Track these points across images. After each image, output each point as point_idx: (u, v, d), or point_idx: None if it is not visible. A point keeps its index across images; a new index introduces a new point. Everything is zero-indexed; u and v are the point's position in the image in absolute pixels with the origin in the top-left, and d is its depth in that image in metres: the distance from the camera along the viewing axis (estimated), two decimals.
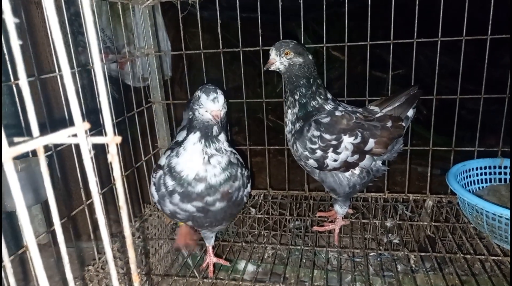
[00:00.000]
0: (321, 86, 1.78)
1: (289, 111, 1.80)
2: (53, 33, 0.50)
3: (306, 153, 1.73)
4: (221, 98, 1.38)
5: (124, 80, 3.21)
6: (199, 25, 2.09)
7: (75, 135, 0.53)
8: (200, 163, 1.44)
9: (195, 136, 1.45)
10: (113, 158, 0.55)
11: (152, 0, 2.09)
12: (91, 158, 0.55)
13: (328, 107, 1.76)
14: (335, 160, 1.71)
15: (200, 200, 1.46)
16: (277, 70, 1.75)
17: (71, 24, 3.23)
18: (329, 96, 1.80)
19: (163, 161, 1.56)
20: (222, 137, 1.49)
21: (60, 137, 0.52)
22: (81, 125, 0.53)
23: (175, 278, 1.77)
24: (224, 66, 2.24)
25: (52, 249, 1.60)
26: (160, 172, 1.53)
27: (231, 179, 1.50)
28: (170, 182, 1.48)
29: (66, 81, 0.52)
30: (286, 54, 1.69)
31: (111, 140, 0.54)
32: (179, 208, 1.51)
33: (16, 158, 1.40)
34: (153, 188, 1.58)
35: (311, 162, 1.74)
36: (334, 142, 1.69)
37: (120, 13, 2.02)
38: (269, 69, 1.75)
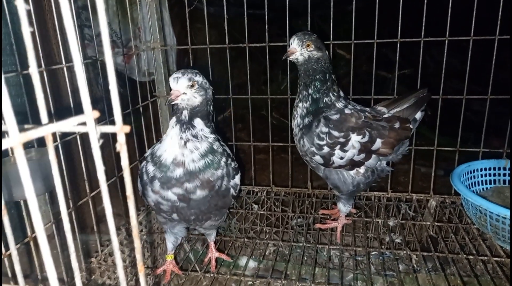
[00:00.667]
0: (335, 82, 1.77)
1: (300, 104, 1.79)
2: (65, 23, 0.50)
3: (313, 149, 1.72)
4: (183, 79, 1.35)
5: (130, 74, 3.21)
6: (206, 20, 2.09)
7: (83, 124, 0.54)
8: (176, 146, 1.40)
9: (172, 120, 1.43)
10: (122, 147, 0.55)
11: None
12: (100, 147, 0.55)
13: (339, 105, 1.76)
14: (342, 158, 1.71)
15: (180, 186, 1.41)
16: (295, 61, 1.72)
17: (77, 17, 3.25)
18: (341, 93, 1.80)
19: (148, 151, 1.56)
20: (198, 122, 1.43)
21: (69, 125, 0.52)
22: (90, 114, 0.53)
23: (190, 273, 1.77)
24: (230, 62, 2.24)
25: (55, 241, 1.61)
26: (144, 162, 1.52)
27: (213, 167, 1.44)
28: (151, 168, 1.44)
29: (77, 70, 0.52)
30: (308, 45, 1.68)
31: (120, 129, 0.54)
32: (161, 197, 1.45)
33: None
34: (138, 180, 1.55)
35: (317, 158, 1.74)
36: (342, 140, 1.69)
37: (127, 6, 2.02)
38: (288, 58, 1.72)
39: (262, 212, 2.28)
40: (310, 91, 1.74)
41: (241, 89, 3.00)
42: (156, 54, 2.21)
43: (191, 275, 1.76)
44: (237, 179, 1.59)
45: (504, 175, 2.07)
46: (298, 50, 1.69)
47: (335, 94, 1.76)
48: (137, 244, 0.61)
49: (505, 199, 1.93)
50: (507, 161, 2.05)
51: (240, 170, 1.63)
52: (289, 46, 1.71)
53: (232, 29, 2.96)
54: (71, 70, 1.53)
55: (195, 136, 1.41)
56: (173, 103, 1.37)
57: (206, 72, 2.23)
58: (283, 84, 4.80)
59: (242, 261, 2.04)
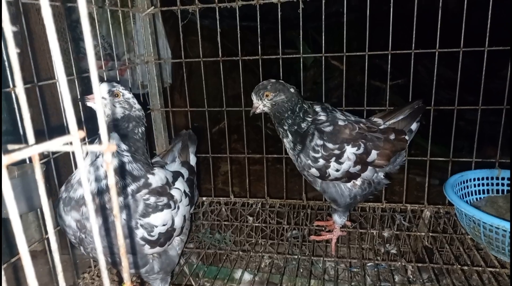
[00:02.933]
0: (305, 107, 1.77)
1: (285, 140, 1.82)
2: (50, 39, 0.50)
3: (309, 161, 1.73)
4: (105, 84, 1.29)
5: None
6: (199, 33, 2.10)
7: (71, 143, 0.54)
8: (88, 162, 1.25)
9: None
10: (108, 166, 0.55)
11: (152, 8, 2.11)
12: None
13: (321, 117, 1.76)
14: (337, 170, 1.72)
15: (78, 209, 1.22)
16: (264, 112, 1.78)
17: (72, 31, 3.26)
18: (317, 109, 1.79)
19: None
20: (115, 137, 1.30)
21: (55, 145, 0.52)
22: (76, 133, 0.53)
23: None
24: (224, 74, 2.26)
25: (47, 256, 1.60)
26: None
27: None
28: (62, 189, 1.31)
29: (62, 88, 0.52)
30: (266, 96, 1.72)
31: (106, 148, 0.54)
32: (63, 222, 1.27)
33: (13, 164, 1.41)
34: None
35: (313, 171, 1.74)
36: (337, 152, 1.69)
37: (121, 20, 2.03)
38: (255, 113, 1.78)
39: (257, 224, 2.27)
40: (285, 127, 1.77)
41: (236, 100, 3.01)
42: (150, 67, 2.22)
43: None
44: (154, 219, 1.28)
45: (497, 184, 2.08)
46: (260, 103, 1.74)
47: (310, 116, 1.76)
48: (125, 263, 0.61)
49: (499, 208, 1.93)
50: (499, 170, 2.06)
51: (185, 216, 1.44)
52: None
53: (227, 42, 2.99)
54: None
55: None
56: (87, 104, 1.30)
57: (201, 84, 2.25)
58: None
59: (237, 274, 2.02)
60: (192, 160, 1.78)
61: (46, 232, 1.47)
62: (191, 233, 2.22)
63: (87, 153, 1.24)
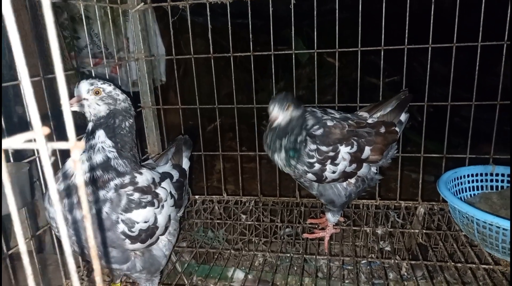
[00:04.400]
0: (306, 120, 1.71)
1: (275, 156, 1.73)
2: (11, 36, 0.48)
3: (305, 167, 1.70)
4: (84, 83, 1.26)
5: (117, 85, 3.19)
6: (189, 29, 2.08)
7: (35, 140, 0.51)
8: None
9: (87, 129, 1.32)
10: (76, 164, 0.53)
11: (142, 5, 2.08)
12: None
13: (309, 122, 1.72)
14: (334, 172, 1.70)
15: (60, 201, 1.21)
16: (277, 125, 1.65)
17: (65, 29, 3.23)
18: (309, 121, 1.73)
19: None
20: (100, 134, 1.28)
21: (17, 142, 0.50)
22: (40, 130, 0.50)
23: (162, 285, 1.72)
24: (219, 71, 2.24)
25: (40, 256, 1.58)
26: None
27: (96, 184, 1.23)
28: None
29: (24, 84, 0.50)
30: (288, 107, 1.62)
31: (74, 145, 0.52)
32: (48, 214, 1.28)
33: None
34: None
35: (310, 176, 1.72)
36: (331, 154, 1.67)
37: (109, 17, 2.01)
38: (272, 125, 1.65)
39: (250, 223, 2.25)
40: (284, 143, 1.68)
41: (231, 98, 2.99)
42: (141, 64, 2.19)
43: None
44: (136, 215, 1.27)
45: (491, 181, 2.06)
46: (280, 115, 1.62)
47: (308, 127, 1.71)
48: (96, 265, 0.58)
49: (493, 205, 1.92)
50: (493, 166, 2.04)
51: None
52: (270, 111, 1.64)
53: (221, 39, 2.96)
54: (51, 81, 1.51)
55: (92, 147, 1.27)
56: (71, 109, 1.23)
57: (195, 81, 2.22)
58: (274, 93, 4.81)
59: (230, 272, 2.00)
60: (185, 164, 1.76)
61: (32, 232, 1.45)
62: (184, 231, 2.20)
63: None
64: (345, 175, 1.73)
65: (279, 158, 1.72)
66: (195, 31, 2.16)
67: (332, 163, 1.67)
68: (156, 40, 3.44)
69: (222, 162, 2.44)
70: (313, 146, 1.66)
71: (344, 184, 1.79)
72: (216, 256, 2.06)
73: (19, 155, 1.47)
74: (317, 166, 1.67)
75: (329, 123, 1.71)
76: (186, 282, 1.80)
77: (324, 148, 1.66)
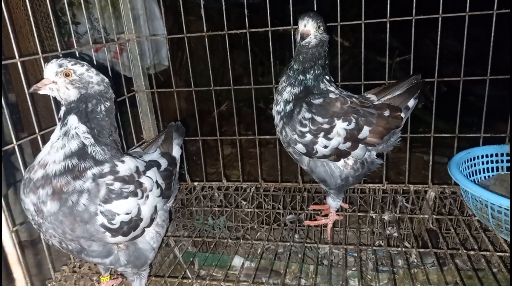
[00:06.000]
0: (328, 66, 1.65)
1: (288, 88, 1.62)
2: None
3: (295, 136, 1.59)
4: (52, 65, 1.15)
5: (119, 70, 3.11)
6: (181, 7, 1.96)
7: None
8: (49, 145, 1.19)
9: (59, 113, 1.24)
10: None
11: None
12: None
13: (333, 90, 1.63)
14: (326, 147, 1.57)
15: (35, 192, 1.14)
16: (307, 44, 1.54)
17: (63, 14, 3.15)
18: (332, 79, 1.68)
19: None
20: (73, 119, 1.19)
21: None
22: None
23: (167, 279, 1.61)
24: (224, 54, 2.12)
25: (37, 247, 1.53)
26: None
27: (72, 174, 1.14)
28: (26, 170, 1.23)
29: None
30: (319, 27, 1.53)
31: None
32: (23, 204, 1.20)
33: None
34: None
35: (299, 147, 1.61)
36: (326, 126, 1.55)
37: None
38: (302, 43, 1.53)
39: (250, 210, 2.16)
40: (308, 76, 1.59)
41: (236, 81, 2.89)
42: (132, 46, 2.09)
43: (182, 282, 1.57)
44: (116, 206, 1.19)
45: (508, 161, 1.91)
46: (312, 32, 1.52)
47: (328, 78, 1.64)
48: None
49: (509, 187, 1.78)
50: (510, 146, 1.89)
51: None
52: (299, 27, 1.54)
53: (220, 18, 2.84)
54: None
55: (66, 133, 1.18)
56: (39, 92, 1.16)
57: (200, 65, 2.11)
58: (279, 75, 4.69)
59: (232, 259, 1.93)
60: (176, 152, 1.66)
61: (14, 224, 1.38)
62: (183, 218, 2.12)
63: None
64: (337, 153, 1.60)
65: (289, 91, 1.62)
66: (196, 12, 2.04)
67: (326, 137, 1.55)
68: (159, 23, 3.33)
69: (221, 148, 2.35)
70: (308, 115, 1.55)
71: (339, 164, 1.66)
72: (215, 244, 1.97)
73: None
74: (308, 136, 1.56)
75: (332, 95, 1.60)
76: (186, 270, 1.73)
77: (319, 119, 1.54)
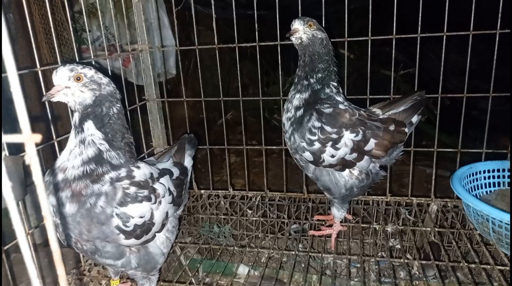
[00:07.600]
0: (335, 73, 1.71)
1: (297, 95, 1.70)
2: None
3: (304, 144, 1.64)
4: (63, 70, 1.17)
5: (128, 78, 3.17)
6: (193, 19, 2.03)
7: None
8: (68, 151, 1.23)
9: (73, 121, 1.27)
10: (31, 159, 0.48)
11: None
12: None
13: (339, 98, 1.69)
14: (333, 156, 1.62)
15: (54, 194, 1.20)
16: (299, 42, 1.65)
17: (76, 22, 3.22)
18: (340, 89, 1.74)
19: None
20: (89, 126, 1.23)
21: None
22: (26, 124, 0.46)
23: (175, 284, 1.63)
24: (231, 64, 2.18)
25: (47, 249, 1.55)
26: None
27: (91, 178, 1.19)
28: (46, 172, 1.29)
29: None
30: (310, 25, 1.62)
31: (28, 138, 0.47)
32: None
33: None
34: None
35: (307, 154, 1.65)
36: (334, 136, 1.60)
37: (124, 10, 1.97)
38: (291, 38, 1.65)
39: (256, 218, 2.20)
40: (312, 80, 1.66)
41: (242, 91, 2.96)
42: (144, 56, 2.15)
43: None
44: (131, 210, 1.23)
45: (509, 177, 1.95)
46: (301, 29, 1.63)
47: (335, 85, 1.70)
48: (61, 271, 0.54)
49: (509, 202, 1.82)
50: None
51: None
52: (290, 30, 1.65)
53: (231, 31, 2.91)
54: (45, 73, 1.47)
55: (82, 141, 1.22)
56: (53, 99, 1.18)
57: (206, 75, 2.17)
58: (285, 86, 4.74)
59: (236, 268, 1.96)
60: (188, 162, 1.72)
61: (30, 227, 1.43)
62: (189, 226, 2.16)
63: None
64: (343, 163, 1.65)
65: (299, 98, 1.69)
66: (205, 23, 2.10)
67: (333, 146, 1.60)
68: (167, 33, 3.40)
69: (228, 156, 2.39)
70: (318, 124, 1.60)
71: (345, 174, 1.70)
72: (221, 251, 2.01)
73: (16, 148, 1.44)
74: (316, 145, 1.61)
75: (341, 106, 1.65)
76: (192, 278, 1.76)
77: (328, 128, 1.60)
